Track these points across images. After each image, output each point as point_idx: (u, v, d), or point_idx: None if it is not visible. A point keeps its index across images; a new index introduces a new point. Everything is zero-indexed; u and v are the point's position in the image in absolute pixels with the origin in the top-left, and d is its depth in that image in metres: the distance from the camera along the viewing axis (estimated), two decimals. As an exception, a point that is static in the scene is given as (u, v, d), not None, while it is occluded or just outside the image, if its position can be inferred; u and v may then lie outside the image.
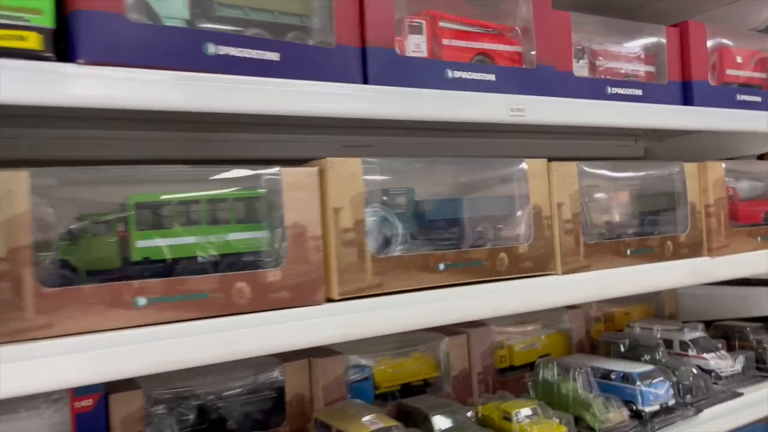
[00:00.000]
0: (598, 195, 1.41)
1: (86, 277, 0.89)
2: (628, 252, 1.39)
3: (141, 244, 0.92)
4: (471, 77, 1.23)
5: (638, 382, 1.46)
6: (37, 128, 1.26)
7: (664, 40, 1.57)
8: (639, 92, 1.50)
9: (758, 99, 1.72)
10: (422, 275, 1.11)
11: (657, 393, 1.45)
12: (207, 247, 0.95)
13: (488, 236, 1.22)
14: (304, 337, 0.98)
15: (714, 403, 1.53)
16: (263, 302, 0.96)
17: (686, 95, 1.59)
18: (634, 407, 1.43)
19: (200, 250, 0.95)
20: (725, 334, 1.89)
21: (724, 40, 1.73)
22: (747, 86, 1.75)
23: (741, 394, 1.59)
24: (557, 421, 1.30)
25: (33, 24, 0.82)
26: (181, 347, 0.88)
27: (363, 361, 1.52)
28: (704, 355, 1.71)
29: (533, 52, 1.33)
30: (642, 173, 1.52)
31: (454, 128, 1.69)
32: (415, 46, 1.24)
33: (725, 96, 1.65)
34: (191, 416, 1.29)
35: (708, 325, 1.94)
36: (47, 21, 0.83)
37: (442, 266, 1.13)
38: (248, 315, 0.94)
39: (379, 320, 1.04)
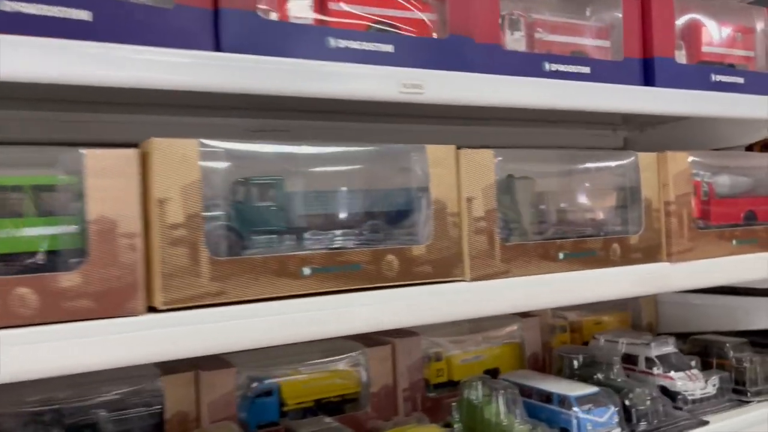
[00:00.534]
0: (525, 189, 1.20)
1: None
2: (561, 256, 1.18)
3: None
4: (361, 47, 1.04)
5: (575, 407, 1.25)
6: None
7: (620, 12, 1.35)
8: (586, 70, 1.29)
9: (740, 80, 1.48)
10: (280, 281, 0.93)
11: (596, 420, 1.24)
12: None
13: (374, 236, 1.03)
14: (111, 354, 0.81)
15: (672, 434, 1.31)
16: (54, 313, 0.79)
17: (647, 74, 1.37)
18: (570, 437, 1.23)
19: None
20: (703, 350, 1.66)
21: (701, 14, 1.50)
22: (729, 66, 1.51)
23: (706, 423, 1.36)
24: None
25: None
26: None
27: (266, 374, 1.35)
28: (671, 374, 1.49)
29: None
30: (585, 164, 1.31)
31: (386, 112, 1.50)
32: (299, 10, 1.05)
33: (696, 76, 1.42)
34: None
35: (686, 338, 1.72)
36: None
37: (308, 270, 0.95)
38: (24, 329, 0.77)
39: (212, 336, 0.87)
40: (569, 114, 1.76)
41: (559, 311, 1.79)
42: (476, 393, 1.28)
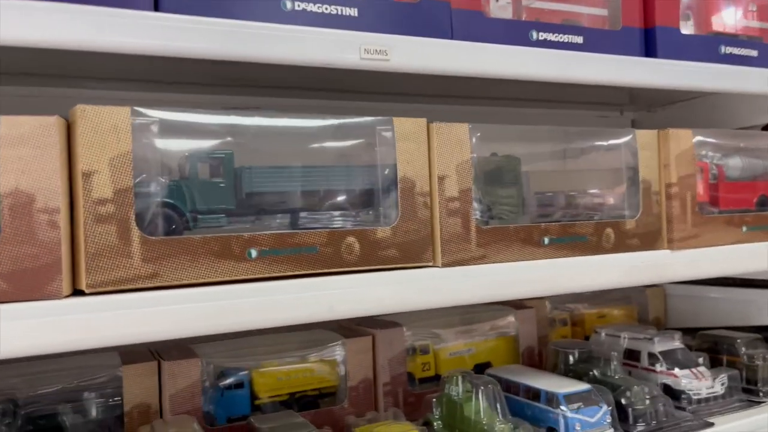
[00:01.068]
0: (509, 168, 1.10)
1: None
2: (546, 241, 1.08)
3: None
4: (321, 11, 0.95)
5: (563, 405, 1.15)
6: None
7: (618, -24, 1.24)
8: (578, 40, 1.18)
9: (753, 53, 1.36)
10: (222, 264, 0.85)
11: (585, 420, 1.15)
12: None
13: (333, 216, 0.95)
14: (28, 340, 0.74)
15: (673, 435, 1.21)
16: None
17: (648, 45, 1.25)
18: (557, 437, 1.14)
19: None
20: (713, 346, 1.55)
21: (711, -20, 1.38)
22: (741, 37, 1.39)
23: (711, 425, 1.25)
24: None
25: None
26: None
27: (237, 366, 1.27)
28: (675, 371, 1.38)
29: (423, -16, 1.04)
30: (578, 142, 1.20)
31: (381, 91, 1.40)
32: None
33: (704, 47, 1.30)
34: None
35: (695, 334, 1.60)
36: None
37: (255, 253, 0.87)
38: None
39: (143, 322, 0.79)
40: (572, 94, 1.65)
41: (559, 303, 1.69)
42: (457, 388, 1.19)
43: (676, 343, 1.44)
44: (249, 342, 1.32)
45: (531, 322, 1.55)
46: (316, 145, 0.97)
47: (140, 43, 0.84)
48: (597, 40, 1.20)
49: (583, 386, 1.19)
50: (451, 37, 1.05)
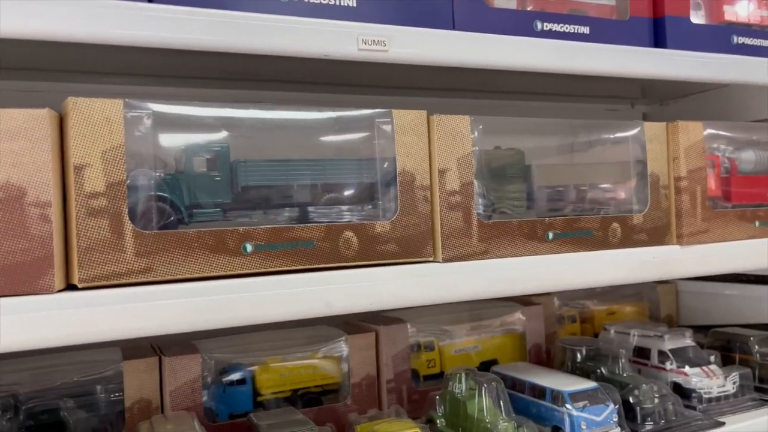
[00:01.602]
0: (512, 162, 1.08)
1: None
2: (550, 236, 1.06)
3: None
4: (317, 1, 0.94)
5: (568, 404, 1.13)
6: None
7: (626, -36, 1.21)
8: (584, 30, 1.15)
9: (766, 43, 1.32)
10: (217, 259, 0.84)
11: (591, 419, 1.12)
12: None
13: (331, 211, 0.93)
14: (19, 335, 0.73)
15: (683, 435, 1.18)
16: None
17: (657, 35, 1.22)
18: (563, 435, 1.12)
19: None
20: (725, 344, 1.51)
21: (723, -33, 1.34)
22: (754, 27, 1.35)
23: (722, 424, 1.22)
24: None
25: None
26: None
27: (239, 362, 1.26)
28: (686, 369, 1.35)
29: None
30: (584, 135, 1.18)
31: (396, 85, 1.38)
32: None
33: (715, 37, 1.27)
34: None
35: (708, 331, 1.57)
36: None
37: (250, 247, 0.86)
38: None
39: (136, 317, 0.78)
40: (582, 87, 1.63)
41: (568, 300, 1.66)
42: (460, 386, 1.17)
43: (687, 340, 1.41)
44: (252, 338, 1.31)
45: (539, 318, 1.53)
46: (313, 138, 0.96)
47: (134, 34, 0.83)
48: (604, 31, 1.17)
49: (590, 384, 1.17)
50: (453, 28, 1.03)
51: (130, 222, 0.79)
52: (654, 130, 1.17)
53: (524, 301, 1.54)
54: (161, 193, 0.83)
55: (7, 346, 0.73)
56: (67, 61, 1.04)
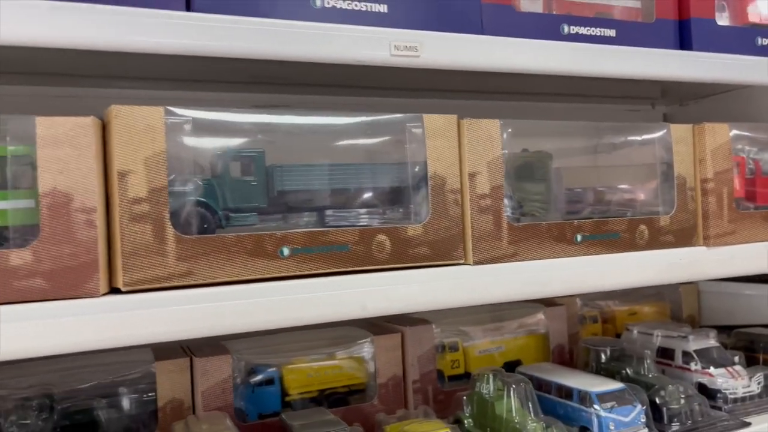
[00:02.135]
0: (540, 165, 1.09)
1: None
2: (578, 238, 1.07)
3: None
4: (349, 7, 0.95)
5: (596, 404, 1.14)
6: None
7: (652, -33, 1.21)
8: (611, 33, 1.16)
9: (791, 44, 1.32)
10: (255, 262, 0.85)
11: (619, 419, 1.13)
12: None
13: (364, 214, 0.94)
14: (66, 338, 0.75)
15: (710, 435, 1.18)
16: (3, 293, 0.74)
17: (683, 38, 1.23)
18: (591, 436, 1.13)
19: None
20: (749, 344, 1.51)
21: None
22: (779, 29, 1.35)
23: (748, 424, 1.23)
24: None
25: None
26: None
27: (267, 362, 1.28)
28: (710, 370, 1.35)
29: (453, -21, 1.03)
30: (611, 138, 1.18)
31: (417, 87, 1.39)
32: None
33: (740, 39, 1.27)
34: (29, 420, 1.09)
35: (731, 332, 1.57)
36: None
37: (287, 251, 0.87)
38: None
39: (178, 320, 0.80)
40: (603, 87, 1.63)
41: (590, 300, 1.67)
42: (488, 386, 1.18)
43: (711, 341, 1.42)
44: (279, 338, 1.32)
45: (561, 319, 1.54)
46: (346, 143, 0.97)
47: (172, 43, 0.84)
48: (630, 33, 1.18)
49: (617, 385, 1.18)
50: (482, 32, 1.04)
51: (171, 227, 0.81)
52: (680, 132, 1.18)
53: (547, 301, 1.54)
54: (200, 198, 0.85)
55: (56, 348, 0.75)
56: (103, 67, 1.06)
